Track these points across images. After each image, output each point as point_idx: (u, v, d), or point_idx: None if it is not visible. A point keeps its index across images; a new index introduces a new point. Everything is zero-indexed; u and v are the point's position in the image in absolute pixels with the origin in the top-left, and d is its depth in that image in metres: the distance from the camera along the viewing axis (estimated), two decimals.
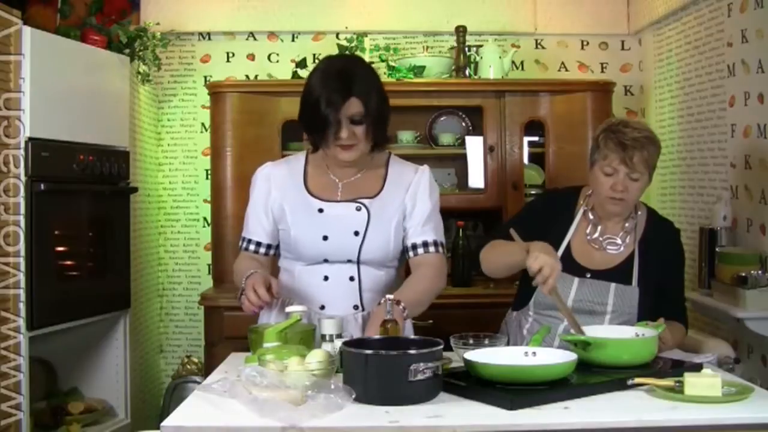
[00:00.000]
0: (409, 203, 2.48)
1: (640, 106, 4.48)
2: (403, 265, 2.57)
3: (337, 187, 2.48)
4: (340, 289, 2.45)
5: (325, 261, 2.45)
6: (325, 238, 2.42)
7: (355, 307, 2.45)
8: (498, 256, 2.50)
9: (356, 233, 2.42)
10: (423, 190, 2.49)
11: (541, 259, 2.21)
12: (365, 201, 2.45)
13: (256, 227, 2.53)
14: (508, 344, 2.39)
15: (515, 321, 2.63)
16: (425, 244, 2.47)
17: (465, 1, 4.41)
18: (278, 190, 2.50)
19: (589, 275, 2.49)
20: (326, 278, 2.45)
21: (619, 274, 2.49)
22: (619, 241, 2.54)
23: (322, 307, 2.44)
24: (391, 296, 2.25)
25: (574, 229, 2.55)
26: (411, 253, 2.48)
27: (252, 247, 2.54)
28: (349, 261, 2.44)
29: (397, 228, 2.46)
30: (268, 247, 2.54)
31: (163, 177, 4.47)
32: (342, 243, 2.43)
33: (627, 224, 2.55)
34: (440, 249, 2.49)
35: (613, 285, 2.47)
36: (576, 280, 2.47)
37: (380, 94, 2.40)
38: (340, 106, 2.30)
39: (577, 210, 2.59)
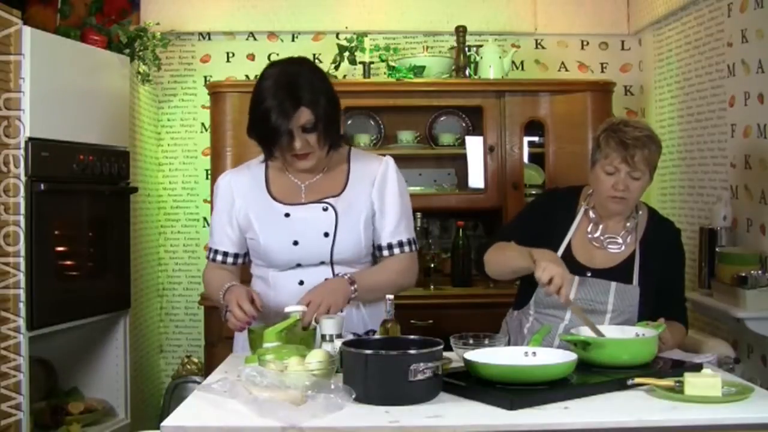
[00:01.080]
0: (376, 199, 2.45)
1: (640, 106, 4.48)
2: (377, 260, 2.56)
3: (300, 190, 2.45)
4: None
5: (299, 265, 2.42)
6: (296, 243, 2.40)
7: None
8: (504, 260, 2.50)
9: (326, 234, 2.40)
10: (391, 186, 2.47)
11: (549, 269, 2.24)
12: (331, 200, 2.42)
13: (222, 237, 2.51)
14: (508, 344, 2.40)
15: (516, 320, 2.62)
16: (398, 245, 2.47)
17: (465, 1, 4.41)
18: (242, 199, 2.47)
19: (589, 274, 2.48)
20: (301, 282, 2.42)
21: (619, 273, 2.49)
22: (620, 240, 2.53)
23: None
24: (391, 296, 2.25)
25: (574, 228, 2.55)
26: (386, 252, 2.47)
27: (219, 257, 2.51)
28: (323, 263, 2.42)
29: (366, 223, 2.44)
30: (236, 256, 2.52)
31: (163, 177, 4.47)
32: (313, 246, 2.40)
33: (628, 223, 2.55)
34: (413, 247, 2.50)
35: (613, 284, 2.47)
36: (576, 278, 2.47)
37: (328, 97, 2.35)
38: (291, 117, 2.27)
39: (578, 209, 2.59)
